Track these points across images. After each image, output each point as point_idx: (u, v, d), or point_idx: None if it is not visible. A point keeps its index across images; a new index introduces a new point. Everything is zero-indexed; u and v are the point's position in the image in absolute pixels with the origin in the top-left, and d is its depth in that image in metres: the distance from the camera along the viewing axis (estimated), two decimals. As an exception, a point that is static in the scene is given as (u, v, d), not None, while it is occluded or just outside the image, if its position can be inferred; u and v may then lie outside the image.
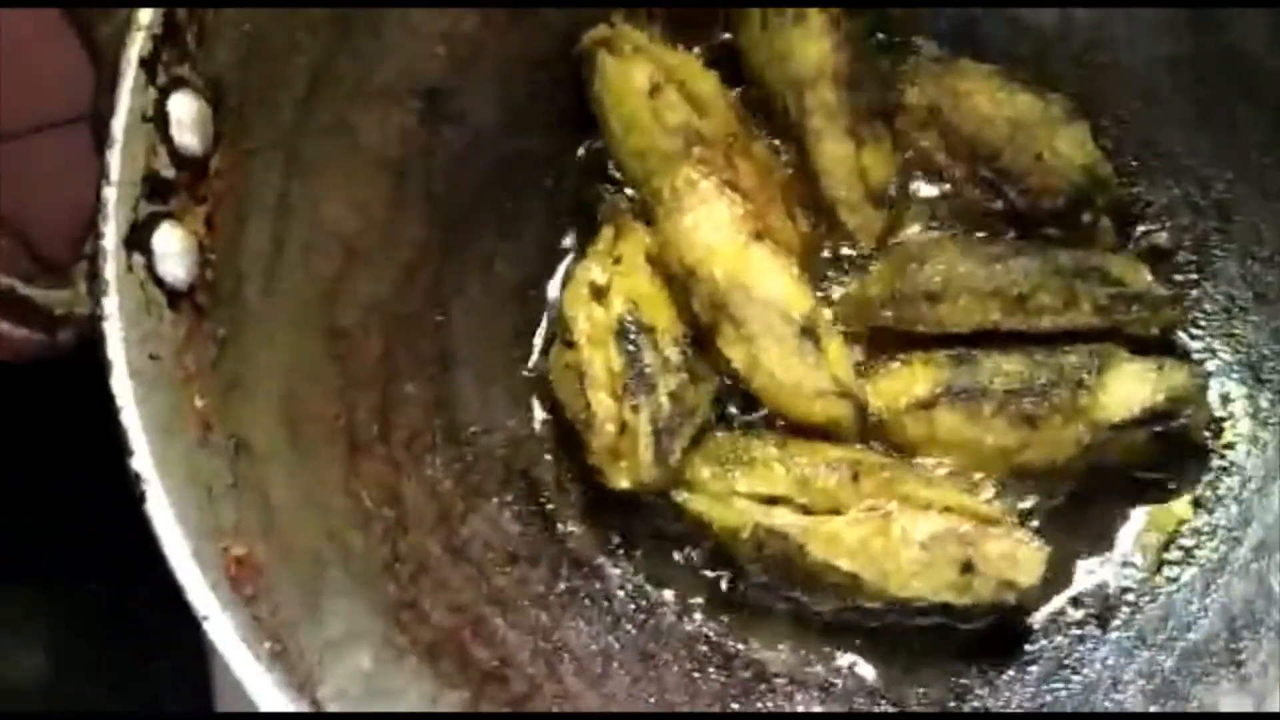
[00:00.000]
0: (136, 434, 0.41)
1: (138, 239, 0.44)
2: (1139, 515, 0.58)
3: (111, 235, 0.43)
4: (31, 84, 0.58)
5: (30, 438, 0.60)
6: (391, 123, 0.57)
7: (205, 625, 0.40)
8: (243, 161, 0.49)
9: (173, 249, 0.45)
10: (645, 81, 0.59)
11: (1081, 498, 0.58)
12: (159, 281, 0.45)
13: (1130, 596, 0.56)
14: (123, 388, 0.41)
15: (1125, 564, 0.57)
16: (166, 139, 0.46)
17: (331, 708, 0.41)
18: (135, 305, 0.43)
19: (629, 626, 0.56)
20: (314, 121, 0.53)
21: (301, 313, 0.52)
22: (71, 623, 0.66)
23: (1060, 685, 0.55)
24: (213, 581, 0.40)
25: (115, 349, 0.42)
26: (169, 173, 0.46)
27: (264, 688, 0.39)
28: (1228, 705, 0.51)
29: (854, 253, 0.61)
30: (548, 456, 0.59)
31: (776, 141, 0.62)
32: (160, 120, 0.45)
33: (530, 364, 0.60)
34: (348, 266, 0.55)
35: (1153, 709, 0.52)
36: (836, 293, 0.61)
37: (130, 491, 0.41)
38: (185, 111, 0.47)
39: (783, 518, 0.55)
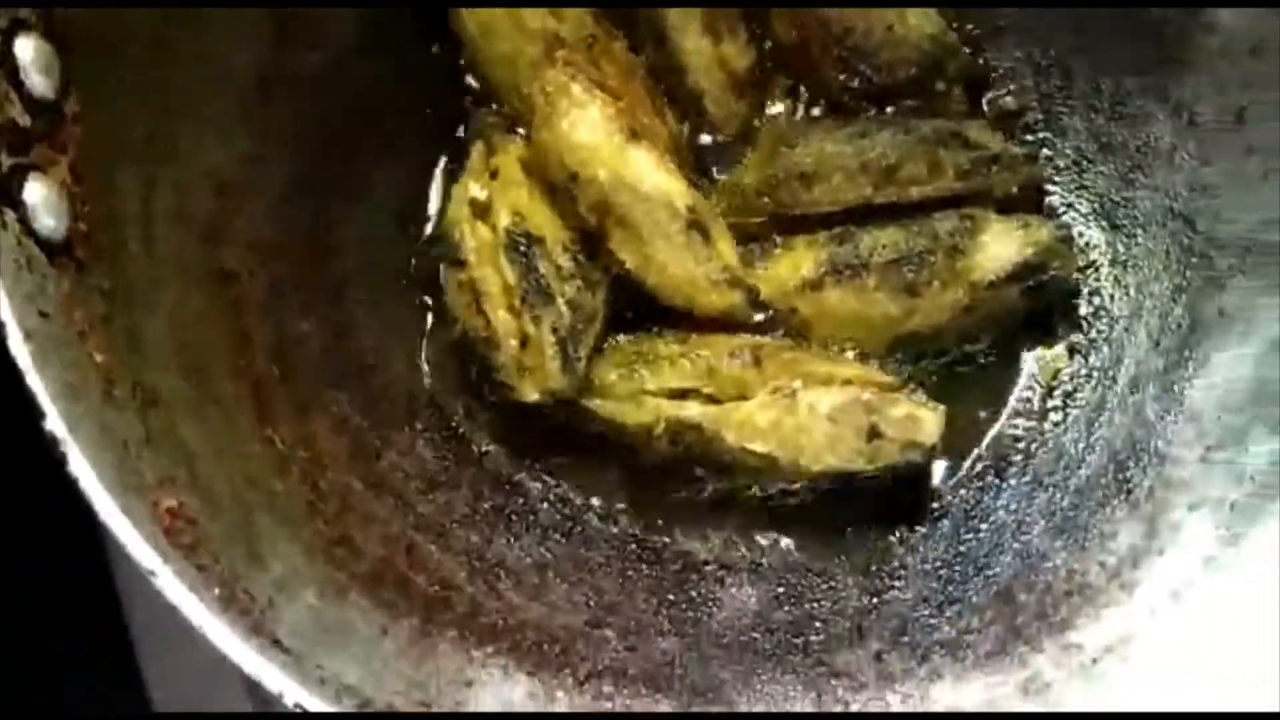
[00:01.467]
0: (43, 394, 0.39)
1: (7, 194, 0.42)
2: (1021, 368, 0.60)
3: (-20, 192, 0.40)
4: None
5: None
6: (248, 50, 0.55)
7: (152, 580, 0.38)
8: (99, 104, 0.47)
9: (43, 201, 0.43)
10: (499, -12, 0.58)
11: (966, 358, 0.60)
12: (35, 237, 0.42)
13: (1022, 444, 0.60)
14: (20, 349, 0.39)
15: (1014, 415, 0.60)
16: (17, 84, 0.43)
17: (289, 644, 0.40)
18: (15, 263, 0.41)
19: (557, 536, 0.56)
20: (169, 55, 0.51)
21: (184, 257, 0.50)
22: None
23: (970, 535, 0.57)
24: (149, 535, 0.39)
25: (7, 310, 0.39)
26: (25, 120, 0.43)
27: (222, 634, 0.38)
28: (1123, 532, 0.54)
29: (725, 143, 0.62)
30: (453, 379, 0.58)
31: (634, 40, 0.62)
32: (6, 65, 0.43)
33: (425, 288, 0.59)
34: (223, 205, 0.53)
35: (1057, 544, 0.55)
36: (713, 185, 0.61)
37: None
38: (30, 54, 0.44)
39: (693, 409, 0.56)
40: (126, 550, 0.38)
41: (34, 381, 0.39)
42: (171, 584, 0.38)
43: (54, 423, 0.39)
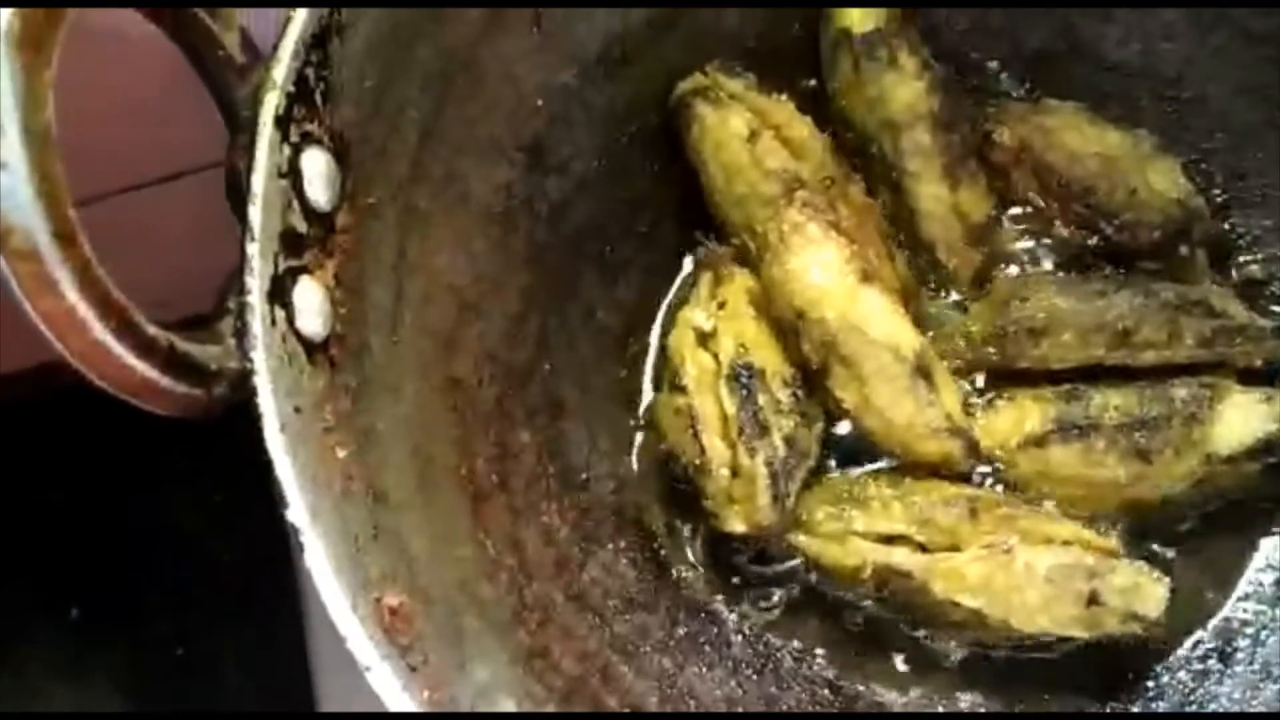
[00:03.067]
0: (290, 486, 0.41)
1: (278, 293, 0.44)
2: (1256, 547, 0.57)
3: (257, 289, 0.43)
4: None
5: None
6: (497, 175, 0.57)
7: (367, 675, 0.39)
8: (364, 216, 0.50)
9: (309, 302, 0.46)
10: (743, 128, 0.60)
11: (1196, 533, 0.58)
12: (299, 335, 0.45)
13: (1251, 630, 0.56)
14: (275, 440, 0.42)
15: (1245, 597, 0.57)
16: (300, 194, 0.46)
17: (490, 756, 0.41)
18: (280, 359, 0.44)
19: (749, 671, 0.56)
20: (425, 175, 0.53)
21: (422, 364, 0.52)
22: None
23: (1188, 721, 0.54)
24: (371, 633, 0.40)
25: (266, 402, 0.42)
26: (302, 227, 0.46)
27: (429, 737, 0.39)
28: (1360, 735, 0.50)
29: (954, 293, 0.62)
30: (659, 503, 0.59)
31: (870, 185, 0.63)
32: (294, 176, 0.46)
33: (639, 411, 0.60)
34: (461, 317, 0.55)
35: (1285, 742, 0.52)
36: (941, 332, 0.61)
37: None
38: (316, 167, 0.47)
39: (902, 556, 0.55)
40: (346, 645, 0.40)
41: (284, 471, 0.41)
42: (388, 682, 0.39)
43: (296, 513, 0.41)
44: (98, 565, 0.67)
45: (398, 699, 0.39)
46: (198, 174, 0.63)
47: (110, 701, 0.68)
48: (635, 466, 0.60)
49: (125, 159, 0.65)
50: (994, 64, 0.65)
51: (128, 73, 0.55)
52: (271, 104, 0.45)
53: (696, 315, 0.59)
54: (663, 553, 0.58)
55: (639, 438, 0.60)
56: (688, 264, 0.63)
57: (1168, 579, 0.53)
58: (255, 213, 0.44)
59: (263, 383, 0.42)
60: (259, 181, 0.44)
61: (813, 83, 0.64)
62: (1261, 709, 0.53)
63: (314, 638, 0.63)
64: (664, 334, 0.61)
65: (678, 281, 0.63)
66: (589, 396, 0.60)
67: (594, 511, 0.57)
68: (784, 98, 0.62)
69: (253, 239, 0.44)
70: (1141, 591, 0.53)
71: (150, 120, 0.58)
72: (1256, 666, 0.55)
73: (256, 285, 0.43)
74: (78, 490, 0.66)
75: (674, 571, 0.58)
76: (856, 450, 0.59)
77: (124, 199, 0.66)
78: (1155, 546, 0.58)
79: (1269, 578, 0.57)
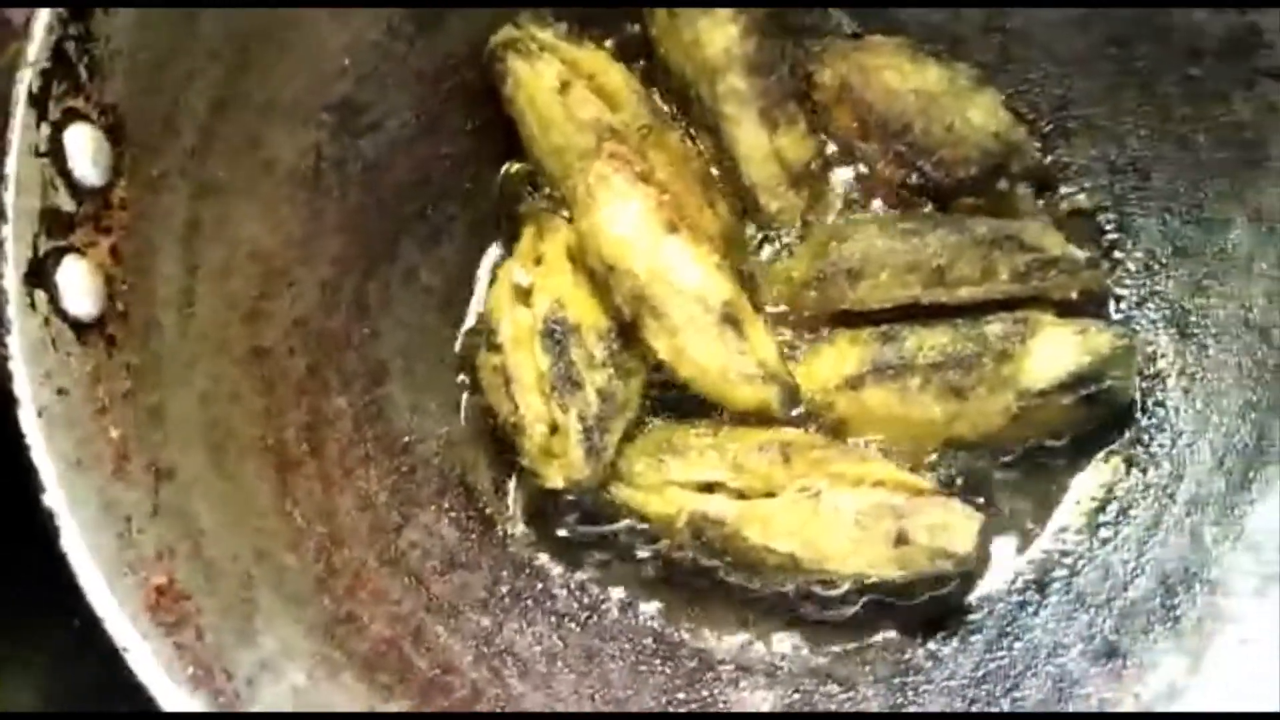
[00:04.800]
0: (47, 471, 0.41)
1: (39, 276, 0.44)
2: (1073, 480, 0.58)
3: (11, 274, 0.43)
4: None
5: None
6: (304, 138, 0.57)
7: (125, 656, 0.39)
8: (148, 190, 0.49)
9: (77, 282, 0.45)
10: (555, 79, 0.59)
11: (1014, 466, 0.58)
12: (64, 316, 0.45)
13: (1068, 560, 0.57)
14: (30, 425, 0.42)
15: (1062, 529, 0.58)
16: (64, 173, 0.46)
17: (261, 728, 0.41)
18: (40, 342, 0.43)
19: (572, 625, 0.56)
20: (221, 144, 0.53)
21: (221, 336, 0.52)
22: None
23: (1003, 653, 0.55)
24: (131, 613, 0.40)
25: (22, 388, 0.42)
26: (69, 206, 0.46)
27: (185, 710, 0.39)
28: (1165, 663, 0.51)
29: (776, 236, 0.61)
30: (484, 461, 0.59)
31: (692, 130, 0.62)
32: (56, 155, 0.45)
33: (463, 370, 0.60)
34: (268, 287, 0.55)
35: (1092, 670, 0.53)
36: (761, 277, 0.61)
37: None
38: (82, 144, 0.46)
39: (718, 504, 0.55)
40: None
41: (39, 457, 0.41)
42: (143, 661, 0.40)
43: (52, 497, 0.41)
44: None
45: (155, 678, 0.39)
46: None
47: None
48: (462, 427, 0.59)
49: None
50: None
51: None
52: (25, 82, 0.44)
53: (515, 271, 0.59)
54: (488, 511, 0.58)
55: (465, 398, 0.60)
56: (511, 221, 0.62)
57: (979, 515, 0.54)
58: (8, 195, 0.44)
59: (18, 368, 0.42)
60: (11, 162, 0.44)
61: (635, 29, 0.63)
62: (1074, 638, 0.54)
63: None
64: (487, 291, 0.60)
65: (501, 239, 0.62)
66: (414, 359, 0.60)
67: (416, 473, 0.57)
68: (604, 46, 0.62)
69: (4, 221, 0.43)
70: (951, 529, 0.53)
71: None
72: (1071, 596, 0.56)
73: (10, 270, 0.43)
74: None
75: (499, 530, 0.58)
76: (684, 403, 0.58)
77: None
78: (977, 483, 0.57)
79: (1085, 509, 0.57)
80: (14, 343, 0.42)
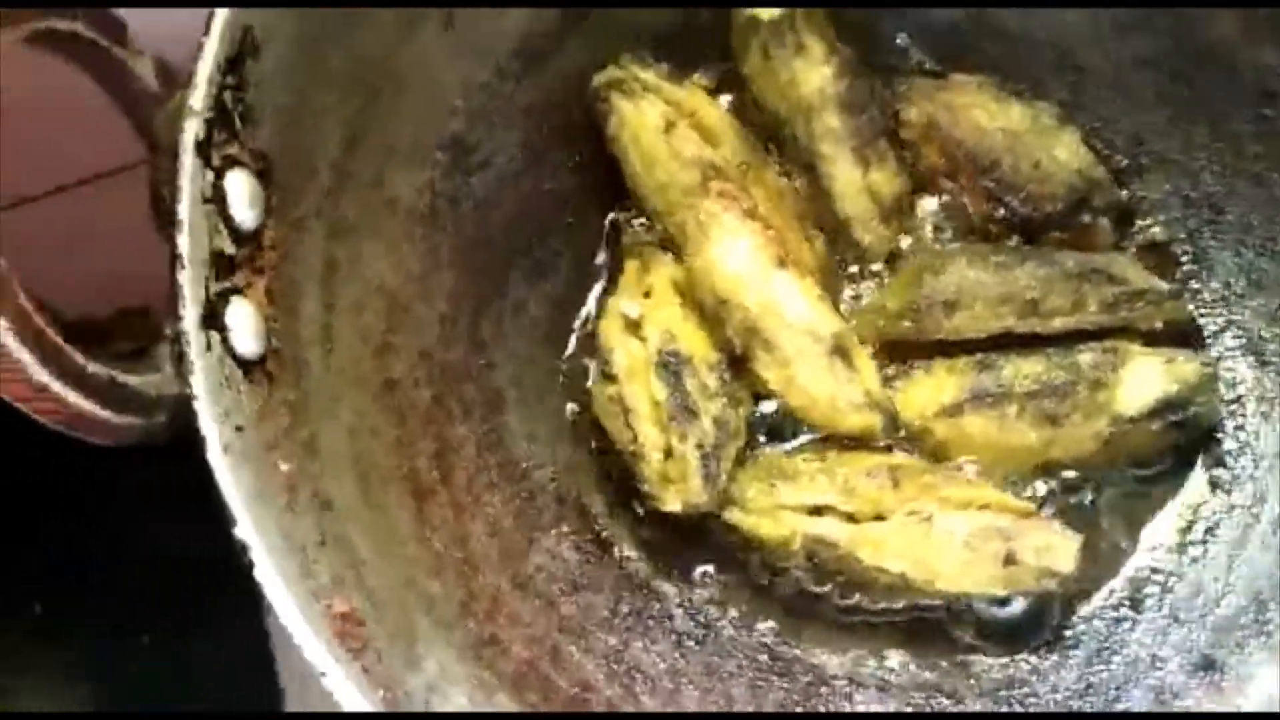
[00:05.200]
0: (236, 504, 0.43)
1: (212, 317, 0.46)
2: (1162, 502, 0.61)
3: (191, 317, 0.45)
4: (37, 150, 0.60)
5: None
6: (420, 177, 0.59)
7: (323, 680, 0.41)
8: (291, 230, 0.51)
9: (243, 322, 0.47)
10: (659, 119, 0.61)
11: (1106, 489, 0.61)
12: (234, 355, 0.47)
13: (1159, 578, 0.60)
14: (218, 461, 0.43)
15: (1153, 548, 0.60)
16: (226, 217, 0.48)
17: (443, 748, 0.43)
18: (218, 381, 0.45)
19: (692, 643, 0.59)
20: (350, 183, 0.55)
21: (357, 370, 0.54)
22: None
23: (1102, 667, 0.58)
24: (325, 640, 0.42)
25: (208, 425, 0.44)
26: (230, 249, 0.48)
27: (384, 736, 0.42)
28: (1262, 674, 0.54)
29: (870, 269, 0.64)
30: (598, 486, 0.61)
31: (785, 167, 0.65)
32: (218, 200, 0.47)
33: (576, 399, 0.62)
34: (393, 321, 0.57)
35: (1192, 683, 0.55)
36: (858, 308, 0.63)
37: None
38: (239, 189, 0.48)
39: (829, 526, 0.57)
40: (299, 650, 0.42)
41: (229, 490, 0.43)
42: (342, 685, 0.42)
43: (244, 530, 0.43)
44: (58, 566, 0.68)
45: (354, 701, 0.42)
46: (121, 173, 0.63)
47: (73, 699, 0.69)
48: (574, 453, 0.62)
49: (45, 163, 0.65)
50: (903, 41, 0.66)
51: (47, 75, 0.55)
52: (191, 131, 0.46)
53: (624, 304, 0.61)
54: (604, 534, 0.60)
55: (577, 425, 0.62)
56: (615, 255, 0.64)
57: (1080, 536, 0.57)
58: (183, 241, 0.45)
59: (202, 407, 0.44)
60: (184, 209, 0.46)
61: (727, 67, 0.65)
62: (1171, 651, 0.57)
63: (277, 636, 0.65)
64: (595, 323, 0.63)
65: (606, 271, 0.64)
66: (525, 388, 0.62)
67: (536, 499, 0.60)
68: (698, 80, 0.64)
69: (182, 267, 0.45)
70: (1054, 549, 0.56)
71: (72, 121, 0.59)
72: (1165, 612, 0.58)
73: (190, 313, 0.45)
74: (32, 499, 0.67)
75: (616, 552, 0.60)
76: (785, 427, 0.61)
77: (51, 202, 0.67)
78: (1072, 505, 0.60)
79: (1175, 528, 0.60)
80: (197, 383, 0.44)
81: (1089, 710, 0.56)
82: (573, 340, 0.64)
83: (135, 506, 0.64)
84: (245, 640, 0.64)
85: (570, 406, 0.63)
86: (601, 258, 0.65)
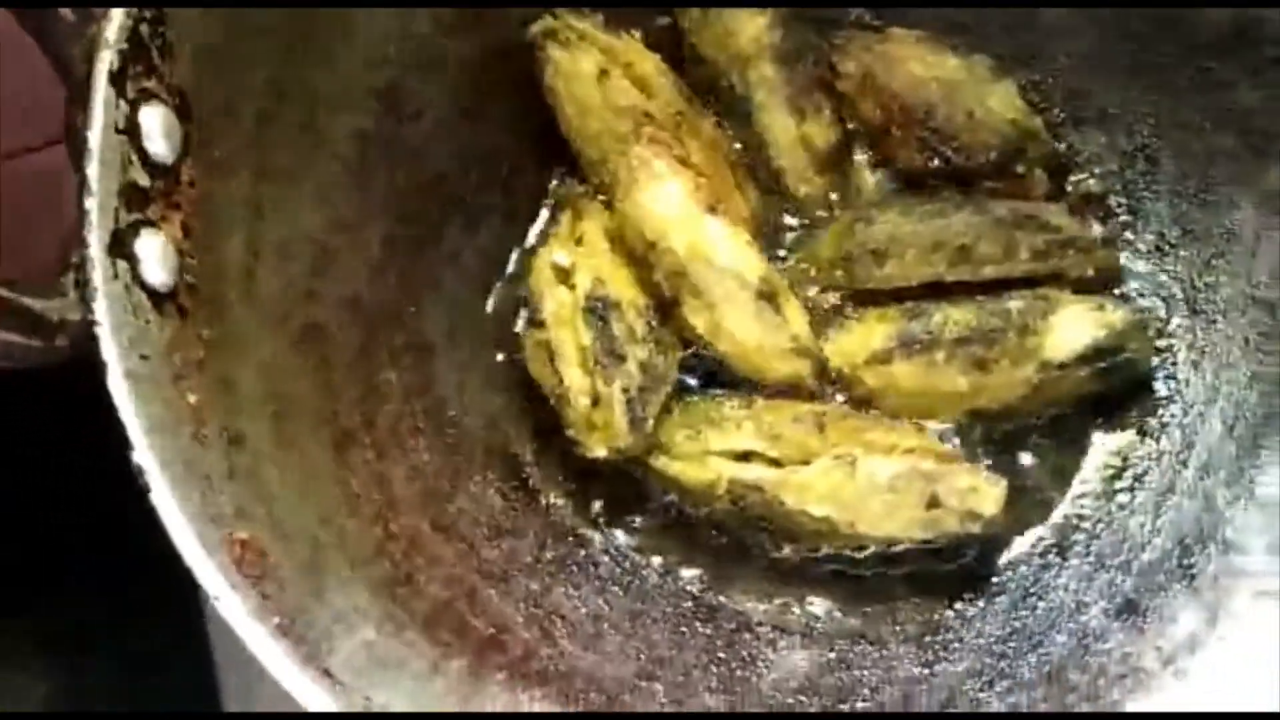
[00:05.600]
0: (135, 430, 0.43)
1: (121, 246, 0.46)
2: (1090, 450, 0.61)
3: (96, 244, 0.45)
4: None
5: (31, 446, 0.62)
6: (351, 124, 0.59)
7: (216, 604, 0.42)
8: (213, 169, 0.51)
9: (154, 254, 0.47)
10: (593, 67, 0.61)
11: (1038, 436, 0.61)
12: (144, 286, 0.47)
13: (1087, 525, 0.60)
14: (119, 387, 0.44)
15: (1081, 495, 0.60)
16: (140, 149, 0.48)
17: (342, 677, 0.43)
18: (123, 309, 0.45)
19: (616, 589, 0.59)
20: (277, 128, 0.55)
21: (280, 311, 0.54)
22: (74, 643, 0.68)
23: (1027, 613, 0.58)
24: (220, 564, 0.42)
25: (109, 351, 0.44)
26: (144, 181, 0.48)
27: (275, 660, 0.42)
28: (1183, 617, 0.54)
29: (804, 219, 0.64)
30: (526, 433, 0.61)
31: (721, 119, 0.65)
32: (133, 131, 0.47)
33: (504, 346, 0.62)
34: (321, 265, 0.57)
35: (1114, 626, 0.55)
36: (791, 257, 0.63)
37: (125, 498, 0.43)
38: (155, 122, 0.48)
39: (755, 471, 0.57)
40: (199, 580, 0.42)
41: (128, 417, 0.43)
42: (234, 609, 0.42)
43: (141, 455, 0.43)
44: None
45: (245, 625, 0.42)
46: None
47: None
48: (505, 400, 0.62)
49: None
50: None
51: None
52: (105, 62, 0.47)
53: (555, 252, 0.61)
54: (531, 482, 0.60)
55: (507, 374, 0.62)
56: (549, 204, 0.64)
57: (1004, 479, 0.57)
58: (93, 169, 0.46)
59: (104, 332, 0.44)
60: (95, 138, 0.46)
61: (667, 20, 0.65)
62: (1096, 596, 0.57)
63: (216, 637, 0.65)
64: (528, 271, 0.63)
65: (540, 221, 0.64)
66: (456, 337, 0.62)
67: (463, 445, 0.60)
68: (635, 35, 0.64)
69: (91, 194, 0.45)
70: (978, 492, 0.56)
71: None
72: (1091, 558, 0.58)
73: (96, 238, 0.45)
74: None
75: (543, 499, 0.60)
76: (716, 376, 0.61)
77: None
78: (1000, 451, 0.60)
79: (1102, 476, 0.60)
80: (101, 309, 0.44)
81: (1011, 652, 0.56)
82: (505, 289, 0.63)
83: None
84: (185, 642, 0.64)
85: (501, 355, 0.62)
86: (537, 209, 0.65)
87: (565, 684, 0.52)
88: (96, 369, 0.44)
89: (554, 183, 0.65)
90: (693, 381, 0.61)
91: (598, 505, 0.60)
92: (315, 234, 0.57)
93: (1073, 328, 0.59)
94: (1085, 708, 0.52)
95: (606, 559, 0.59)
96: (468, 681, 0.49)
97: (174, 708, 0.68)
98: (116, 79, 0.47)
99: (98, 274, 0.45)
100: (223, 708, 0.65)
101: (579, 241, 0.61)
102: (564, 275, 0.60)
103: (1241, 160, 0.60)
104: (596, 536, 0.60)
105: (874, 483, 0.56)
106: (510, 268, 0.64)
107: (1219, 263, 0.61)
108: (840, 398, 0.60)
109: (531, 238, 0.64)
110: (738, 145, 0.64)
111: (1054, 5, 0.63)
